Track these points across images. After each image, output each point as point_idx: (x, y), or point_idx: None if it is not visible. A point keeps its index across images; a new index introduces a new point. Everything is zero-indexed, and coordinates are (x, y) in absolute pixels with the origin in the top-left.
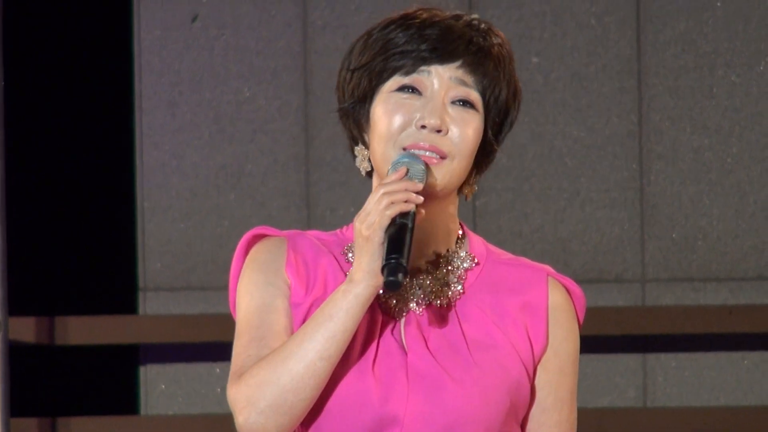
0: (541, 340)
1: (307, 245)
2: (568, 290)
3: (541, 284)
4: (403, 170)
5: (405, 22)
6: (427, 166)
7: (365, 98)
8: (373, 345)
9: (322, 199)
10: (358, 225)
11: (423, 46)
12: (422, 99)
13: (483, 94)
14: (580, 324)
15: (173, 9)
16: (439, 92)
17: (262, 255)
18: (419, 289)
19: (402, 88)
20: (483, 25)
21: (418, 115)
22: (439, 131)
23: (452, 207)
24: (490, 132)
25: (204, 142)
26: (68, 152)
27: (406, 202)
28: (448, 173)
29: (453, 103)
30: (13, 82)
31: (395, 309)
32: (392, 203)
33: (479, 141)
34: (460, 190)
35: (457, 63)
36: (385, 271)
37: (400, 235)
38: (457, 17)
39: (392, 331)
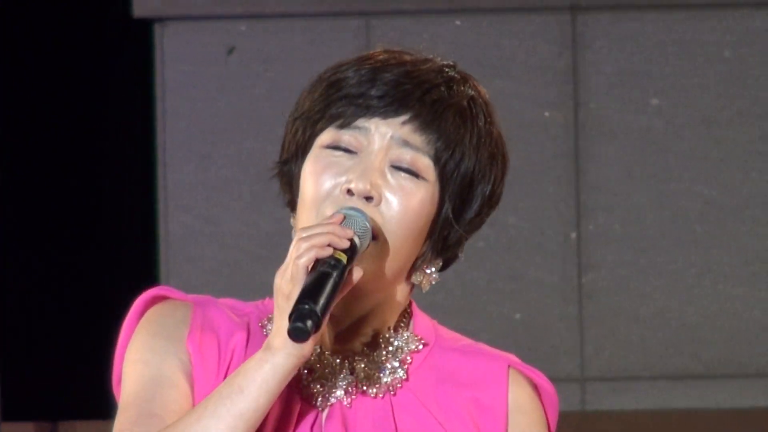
0: None
1: (218, 316)
2: (535, 385)
3: (500, 377)
4: (338, 217)
5: (360, 62)
6: (374, 232)
7: (299, 153)
8: None
9: None
10: (278, 281)
11: (371, 92)
12: (356, 158)
13: (436, 159)
14: (551, 430)
15: (204, 39)
16: (377, 153)
17: (161, 318)
18: (350, 373)
19: (334, 146)
20: (454, 73)
21: (344, 178)
22: (369, 199)
23: (395, 300)
24: (448, 208)
25: (244, 204)
26: (74, 217)
27: (329, 246)
28: (376, 256)
29: (393, 167)
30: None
31: (318, 396)
32: (310, 248)
33: (429, 218)
34: (408, 277)
35: (404, 117)
36: (292, 318)
37: (317, 281)
38: (427, 61)
39: (312, 425)
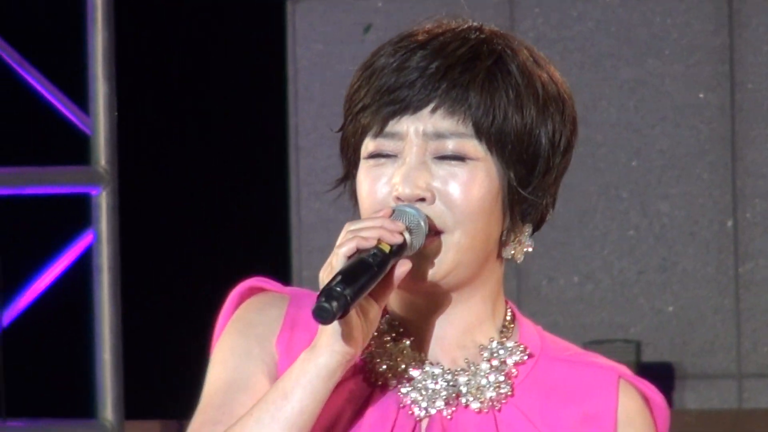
0: None
1: (308, 321)
2: (646, 398)
3: (610, 389)
4: (386, 211)
5: (395, 46)
6: (429, 224)
7: (352, 167)
8: None
9: (535, 265)
10: (321, 274)
11: (396, 91)
12: (399, 161)
13: (477, 135)
14: None
15: (338, 17)
16: (416, 152)
17: (251, 315)
18: (452, 386)
19: (376, 154)
20: (479, 35)
21: (392, 186)
22: (422, 200)
23: (489, 285)
24: (510, 176)
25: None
26: (203, 205)
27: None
28: (454, 250)
29: (437, 159)
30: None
31: (417, 406)
32: (353, 238)
33: (495, 193)
34: (499, 254)
35: (432, 105)
36: (319, 296)
37: (353, 267)
38: (453, 33)
39: None
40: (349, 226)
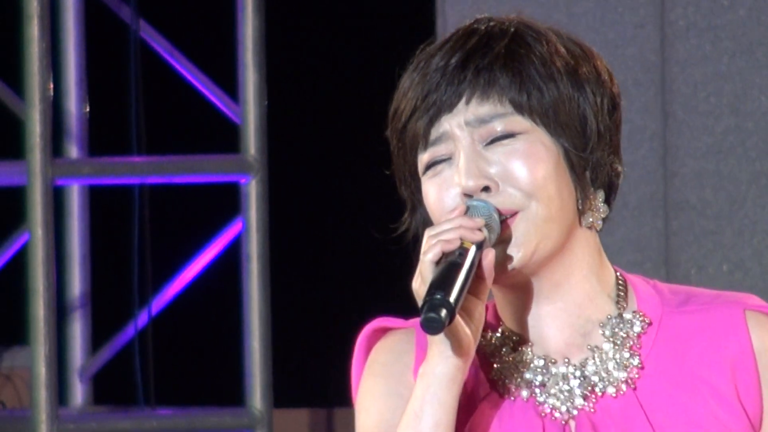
0: (754, 399)
1: None
2: None
3: (738, 325)
4: (461, 209)
5: (415, 66)
6: (500, 214)
7: (410, 176)
8: None
9: (685, 254)
10: (413, 285)
11: (429, 97)
12: (454, 161)
13: (518, 110)
14: None
15: (489, 4)
16: (465, 145)
17: (383, 356)
18: (582, 378)
19: (433, 162)
20: (492, 23)
21: (453, 190)
22: (487, 189)
23: (585, 259)
24: (564, 142)
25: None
26: (350, 194)
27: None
28: (533, 224)
29: (488, 144)
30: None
31: (558, 410)
32: (436, 243)
33: (556, 162)
34: (581, 223)
35: (465, 97)
36: (423, 310)
37: (445, 271)
38: (480, 32)
39: None
40: (429, 232)
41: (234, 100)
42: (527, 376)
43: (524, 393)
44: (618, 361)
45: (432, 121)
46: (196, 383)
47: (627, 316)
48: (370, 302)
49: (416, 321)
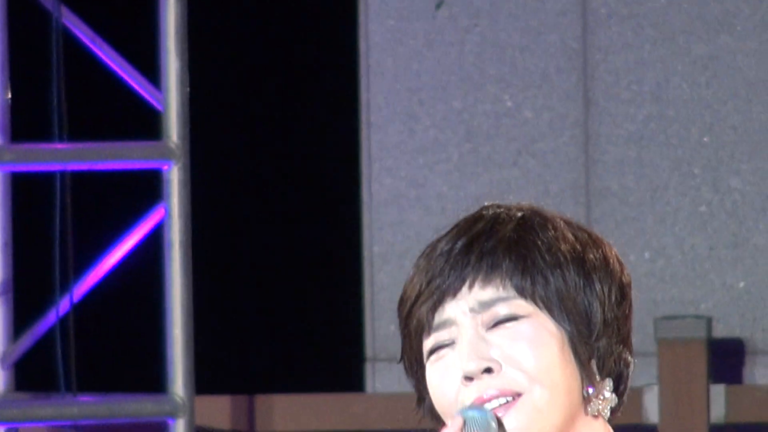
0: None
1: None
2: None
3: None
4: (458, 423)
5: (423, 256)
6: (498, 421)
7: (415, 363)
8: None
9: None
10: None
11: (431, 284)
12: (457, 347)
13: (522, 294)
14: None
15: None
16: (468, 330)
17: None
18: None
19: (436, 348)
20: (498, 210)
21: (459, 372)
22: (489, 371)
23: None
24: (569, 328)
25: (452, 166)
26: (274, 180)
27: None
28: (536, 409)
29: (491, 328)
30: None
31: None
32: None
33: (560, 347)
34: (586, 412)
35: (468, 282)
36: None
37: None
38: (476, 214)
39: None
40: None
41: (156, 86)
42: None
43: None
44: None
45: (435, 306)
46: (118, 370)
47: None
48: (292, 289)
49: None
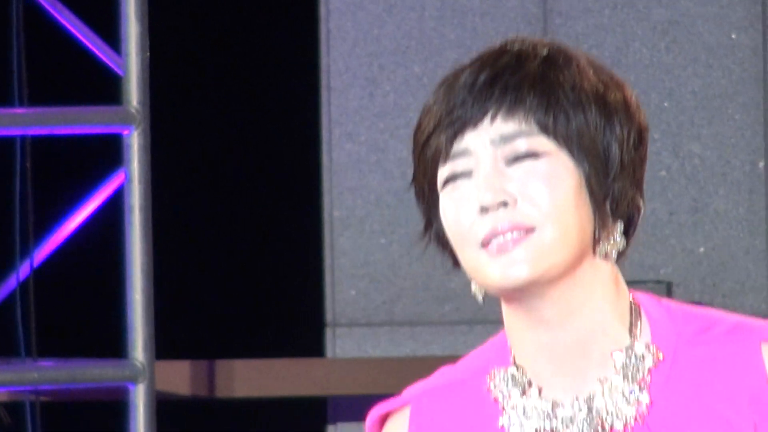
0: None
1: (435, 418)
2: None
3: (755, 360)
4: None
5: (445, 79)
6: (531, 226)
7: (429, 188)
8: None
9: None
10: None
11: (453, 111)
12: (474, 178)
13: (543, 130)
14: None
15: None
16: (487, 162)
17: None
18: (589, 411)
19: (453, 177)
20: (523, 46)
21: (471, 207)
22: (504, 204)
23: (599, 289)
24: (586, 168)
25: (411, 131)
26: (234, 145)
27: None
28: (547, 245)
29: (510, 162)
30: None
31: None
32: None
33: (576, 187)
34: (595, 252)
35: (490, 114)
36: None
37: None
38: (503, 47)
39: None
40: None
41: (116, 51)
42: (535, 423)
43: None
44: (626, 395)
45: (455, 135)
46: (78, 335)
47: (639, 348)
48: (252, 254)
49: (411, 396)
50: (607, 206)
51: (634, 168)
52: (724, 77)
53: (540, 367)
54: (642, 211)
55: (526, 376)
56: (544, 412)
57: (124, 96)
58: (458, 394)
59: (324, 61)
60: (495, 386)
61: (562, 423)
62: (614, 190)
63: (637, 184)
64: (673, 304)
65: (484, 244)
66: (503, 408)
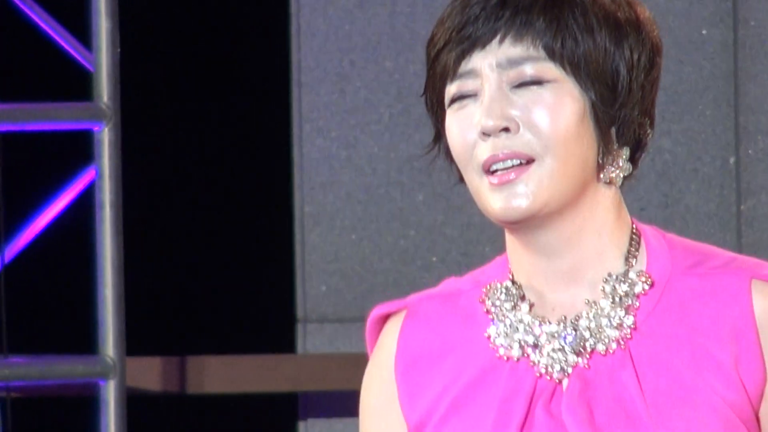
0: (754, 372)
1: (427, 322)
2: None
3: (743, 295)
4: None
5: None
6: (532, 156)
7: (437, 108)
8: (520, 427)
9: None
10: None
11: (464, 29)
12: (480, 99)
13: (551, 56)
14: None
15: None
16: (493, 84)
17: (368, 397)
18: (574, 332)
19: (459, 96)
20: None
21: (475, 128)
22: (506, 130)
23: (599, 214)
24: (592, 95)
25: (383, 126)
26: (205, 141)
27: None
28: (547, 177)
29: (515, 87)
30: (130, 52)
31: (554, 372)
32: None
33: (581, 114)
34: (599, 179)
35: (499, 36)
36: None
37: None
38: None
39: (551, 402)
40: None
41: (87, 47)
42: (520, 336)
43: (516, 353)
44: (612, 318)
45: (463, 55)
46: (49, 331)
47: (632, 274)
48: (223, 250)
49: (411, 301)
50: (613, 132)
51: (643, 93)
52: (695, 73)
53: (535, 285)
54: (650, 136)
55: (520, 291)
56: (530, 327)
57: (94, 92)
58: (454, 303)
59: (295, 57)
60: (488, 298)
61: (546, 339)
62: (621, 116)
63: (647, 108)
64: (676, 238)
65: (485, 168)
66: (493, 319)
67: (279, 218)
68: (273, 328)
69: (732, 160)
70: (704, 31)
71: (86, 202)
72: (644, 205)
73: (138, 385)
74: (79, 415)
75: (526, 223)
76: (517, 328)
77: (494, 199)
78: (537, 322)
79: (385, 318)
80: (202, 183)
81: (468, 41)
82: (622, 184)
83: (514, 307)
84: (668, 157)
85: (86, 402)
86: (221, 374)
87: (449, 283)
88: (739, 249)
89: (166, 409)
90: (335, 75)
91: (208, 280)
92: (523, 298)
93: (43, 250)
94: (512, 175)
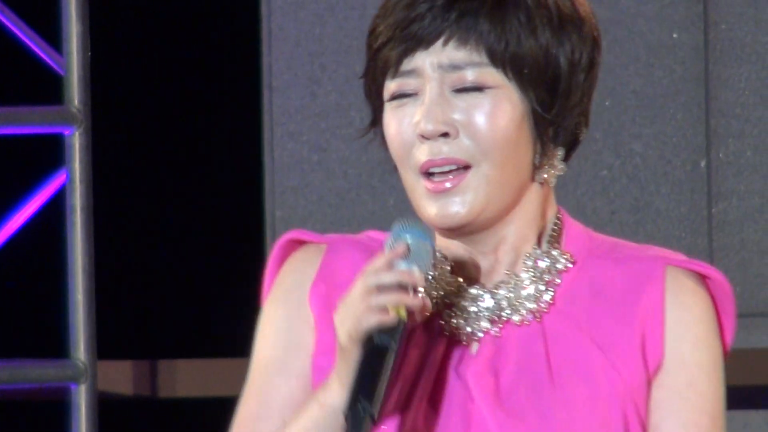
0: (656, 351)
1: (352, 257)
2: (699, 275)
3: (657, 279)
4: (400, 247)
5: None
6: (470, 162)
7: (378, 106)
8: (428, 388)
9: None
10: (338, 325)
11: (409, 27)
12: (420, 99)
13: (492, 62)
14: (728, 317)
15: None
16: (433, 87)
17: (286, 278)
18: (492, 300)
19: (398, 95)
20: None
21: (412, 128)
22: (445, 135)
23: (531, 209)
24: (532, 100)
25: (354, 130)
26: (176, 145)
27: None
28: (484, 184)
29: (456, 92)
30: (99, 54)
31: (463, 331)
32: (374, 307)
33: (520, 120)
34: (533, 179)
35: (443, 38)
36: (348, 422)
37: (372, 367)
38: None
39: (459, 363)
40: (367, 281)
41: (58, 51)
42: (438, 294)
43: (430, 309)
44: (531, 291)
45: (406, 53)
46: (20, 335)
47: (554, 252)
48: (194, 254)
49: (331, 238)
50: (550, 134)
51: (582, 95)
52: (666, 76)
53: (457, 256)
54: (583, 136)
55: (441, 253)
56: (447, 286)
57: (65, 96)
58: (373, 253)
59: (266, 61)
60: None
61: (462, 298)
62: (558, 119)
63: (584, 111)
64: (597, 233)
65: (422, 171)
66: None
67: (250, 222)
68: (244, 331)
69: (703, 163)
70: (675, 35)
71: (57, 205)
72: (615, 208)
73: (109, 389)
74: (51, 420)
75: (461, 230)
76: (436, 286)
77: (430, 206)
78: (456, 285)
79: (300, 244)
80: (173, 187)
81: (412, 40)
82: (554, 184)
83: (434, 266)
84: (639, 160)
85: (57, 406)
86: (193, 378)
87: (370, 234)
88: (710, 252)
89: (138, 413)
90: (306, 78)
91: (179, 284)
92: (445, 257)
93: (14, 253)
94: (448, 184)
